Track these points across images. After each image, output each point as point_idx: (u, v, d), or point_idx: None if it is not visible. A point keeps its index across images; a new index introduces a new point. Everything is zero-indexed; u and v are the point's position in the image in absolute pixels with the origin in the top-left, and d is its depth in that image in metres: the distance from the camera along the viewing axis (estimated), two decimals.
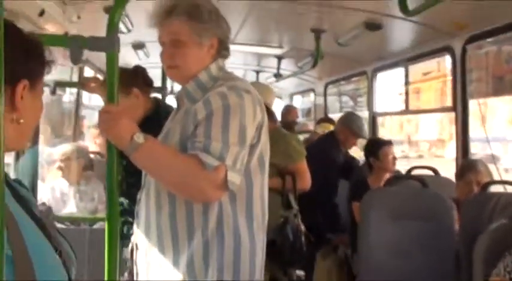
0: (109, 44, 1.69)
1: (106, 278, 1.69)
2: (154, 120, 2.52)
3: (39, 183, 3.39)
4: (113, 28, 1.70)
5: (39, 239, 1.05)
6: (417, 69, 4.59)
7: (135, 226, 1.96)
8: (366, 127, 4.67)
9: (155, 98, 2.80)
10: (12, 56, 1.05)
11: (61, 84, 3.59)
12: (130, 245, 2.01)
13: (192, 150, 1.70)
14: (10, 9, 2.31)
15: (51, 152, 3.92)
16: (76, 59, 1.69)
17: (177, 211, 1.79)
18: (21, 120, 1.08)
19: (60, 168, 3.73)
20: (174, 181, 1.73)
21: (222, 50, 1.93)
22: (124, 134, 1.66)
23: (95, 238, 2.98)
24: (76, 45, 1.68)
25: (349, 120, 4.59)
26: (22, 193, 1.11)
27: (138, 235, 1.93)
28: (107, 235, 1.68)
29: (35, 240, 1.02)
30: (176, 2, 1.87)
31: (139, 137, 1.66)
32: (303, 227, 3.18)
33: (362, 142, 4.69)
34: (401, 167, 4.59)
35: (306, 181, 3.37)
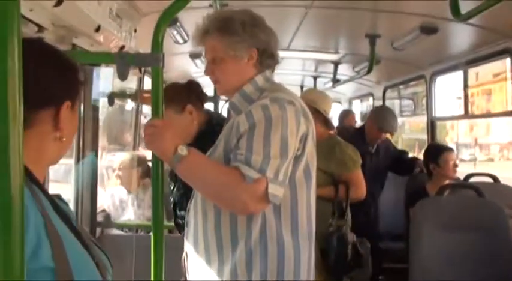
0: (154, 60, 1.76)
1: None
2: (208, 134, 2.56)
3: (99, 190, 3.52)
4: (158, 45, 1.76)
5: (79, 252, 1.10)
6: (487, 70, 4.44)
7: (185, 235, 2.01)
8: (395, 122, 4.46)
9: (208, 112, 2.83)
10: (57, 79, 1.14)
11: (116, 95, 3.71)
12: (183, 254, 2.07)
13: (234, 162, 1.71)
14: (69, 26, 2.42)
15: (111, 160, 4.07)
16: (123, 75, 1.77)
17: (221, 221, 1.82)
18: (64, 139, 1.16)
19: (118, 176, 3.86)
20: (216, 193, 1.76)
21: (266, 60, 1.92)
22: (168, 147, 1.71)
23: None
24: (123, 62, 1.75)
25: (374, 113, 4.52)
26: (62, 207, 1.16)
27: (188, 244, 1.98)
28: (153, 243, 1.75)
29: (76, 253, 1.08)
30: (210, 20, 1.91)
31: (183, 150, 1.71)
32: (353, 237, 3.15)
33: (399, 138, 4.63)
34: (469, 170, 4.48)
35: (360, 190, 3.34)
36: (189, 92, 2.69)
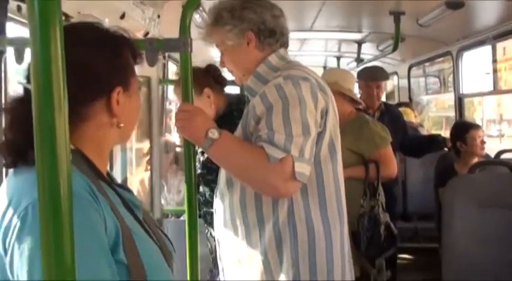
0: (182, 44, 1.75)
1: (188, 268, 1.77)
2: (227, 117, 2.57)
3: (128, 176, 3.55)
4: (185, 29, 1.76)
5: (147, 243, 1.10)
6: None
7: (215, 223, 2.00)
8: (377, 70, 4.24)
9: (228, 96, 2.83)
10: (104, 67, 1.10)
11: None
12: (214, 242, 2.07)
13: (258, 143, 1.69)
14: (94, 14, 2.44)
15: (141, 147, 4.10)
16: (152, 60, 1.76)
17: (247, 205, 1.81)
18: (121, 125, 1.13)
19: (148, 162, 3.89)
20: (246, 176, 1.74)
21: (268, 38, 1.87)
22: (199, 131, 1.71)
23: (182, 229, 3.09)
24: (151, 48, 1.75)
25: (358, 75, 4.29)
26: (127, 196, 1.16)
27: (217, 232, 1.97)
28: (188, 229, 1.76)
29: (145, 245, 1.08)
30: (207, 17, 1.97)
31: (214, 133, 1.71)
32: (386, 217, 3.07)
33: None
34: (497, 146, 4.38)
35: (391, 169, 3.23)
36: (207, 75, 2.71)
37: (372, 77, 4.09)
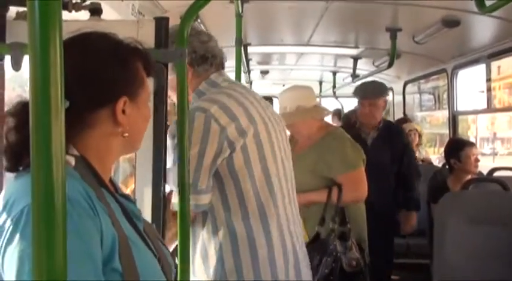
0: (178, 55, 1.75)
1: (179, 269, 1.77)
2: None
3: (120, 186, 3.53)
4: (183, 40, 1.76)
5: (145, 253, 1.10)
6: (509, 63, 4.37)
7: None
8: (370, 86, 3.98)
9: None
10: (110, 75, 1.10)
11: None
12: None
13: None
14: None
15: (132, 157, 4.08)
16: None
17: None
18: (126, 134, 1.12)
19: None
20: None
21: (201, 64, 1.93)
22: None
23: None
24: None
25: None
26: (130, 207, 1.16)
27: None
28: (180, 230, 1.76)
29: (142, 255, 1.08)
30: None
31: None
32: (343, 247, 2.73)
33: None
34: (490, 164, 4.39)
35: (359, 191, 2.89)
36: None
37: (363, 95, 3.87)
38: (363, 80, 6.26)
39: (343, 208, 2.86)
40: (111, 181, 1.21)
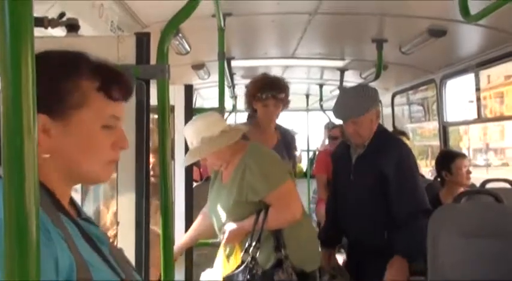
0: (159, 71, 1.71)
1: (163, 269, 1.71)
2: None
3: (102, 208, 3.45)
4: (163, 56, 1.70)
5: (107, 276, 1.06)
6: (499, 72, 4.33)
7: None
8: (343, 105, 3.20)
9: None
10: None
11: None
12: None
13: None
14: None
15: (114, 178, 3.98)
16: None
17: None
18: (45, 155, 1.03)
19: None
20: None
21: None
22: None
23: None
24: (128, 74, 1.68)
25: None
26: (91, 230, 1.10)
27: None
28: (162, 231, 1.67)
29: (104, 279, 1.04)
30: None
31: None
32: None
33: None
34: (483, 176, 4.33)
35: (288, 210, 2.61)
36: None
37: (337, 116, 3.31)
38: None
39: (278, 232, 2.62)
40: (73, 204, 1.15)
